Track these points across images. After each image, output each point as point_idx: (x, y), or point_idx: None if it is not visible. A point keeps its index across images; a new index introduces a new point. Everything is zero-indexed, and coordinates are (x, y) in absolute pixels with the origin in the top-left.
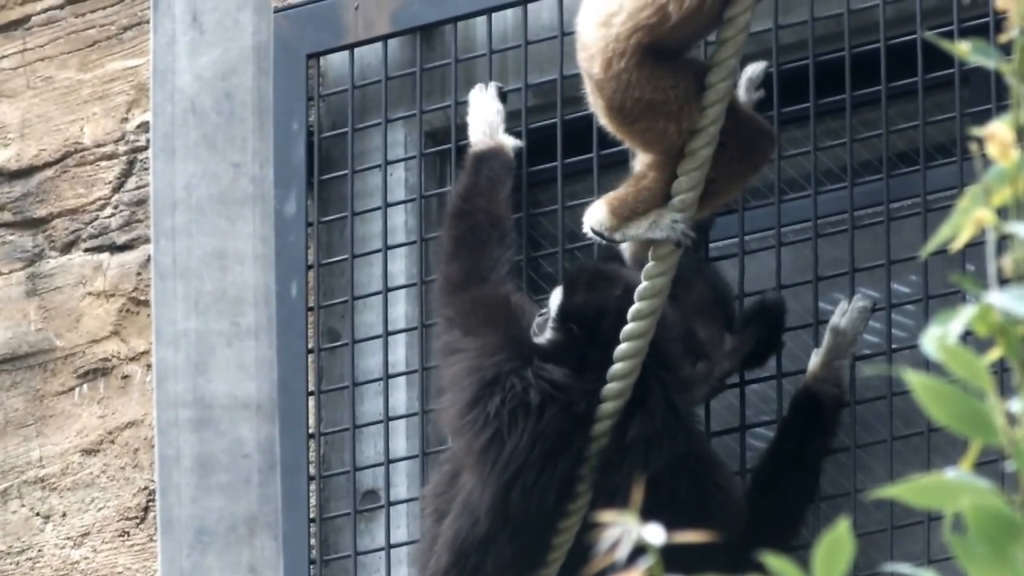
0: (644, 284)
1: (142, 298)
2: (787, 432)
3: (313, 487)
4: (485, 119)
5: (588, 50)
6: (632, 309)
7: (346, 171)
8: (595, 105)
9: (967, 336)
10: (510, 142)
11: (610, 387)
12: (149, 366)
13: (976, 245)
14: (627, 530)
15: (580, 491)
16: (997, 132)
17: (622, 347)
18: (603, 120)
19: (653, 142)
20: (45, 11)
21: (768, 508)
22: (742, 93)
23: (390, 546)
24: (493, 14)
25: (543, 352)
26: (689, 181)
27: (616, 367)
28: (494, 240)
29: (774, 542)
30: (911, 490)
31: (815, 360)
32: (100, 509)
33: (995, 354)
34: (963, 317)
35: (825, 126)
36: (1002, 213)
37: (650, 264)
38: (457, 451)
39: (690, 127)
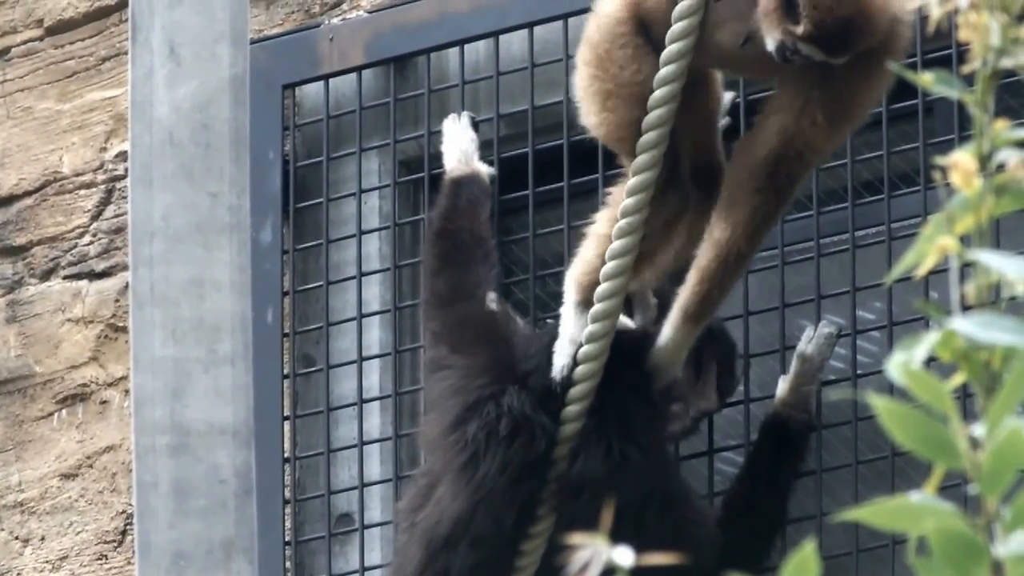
0: (590, 328)
1: (120, 325)
2: (758, 457)
3: (288, 511)
4: (459, 147)
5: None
6: (581, 352)
7: (321, 199)
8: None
9: (931, 362)
10: (485, 169)
11: (565, 427)
12: (127, 392)
13: (940, 272)
14: (597, 552)
15: (541, 515)
16: (960, 161)
17: (573, 390)
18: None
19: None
20: (25, 43)
21: (741, 532)
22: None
23: (364, 569)
24: (465, 46)
25: (524, 376)
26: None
27: (568, 409)
28: (479, 258)
29: (746, 566)
30: (876, 513)
31: (783, 386)
32: (78, 533)
33: (958, 379)
34: (927, 343)
35: None
36: (965, 241)
37: (596, 308)
38: (436, 466)
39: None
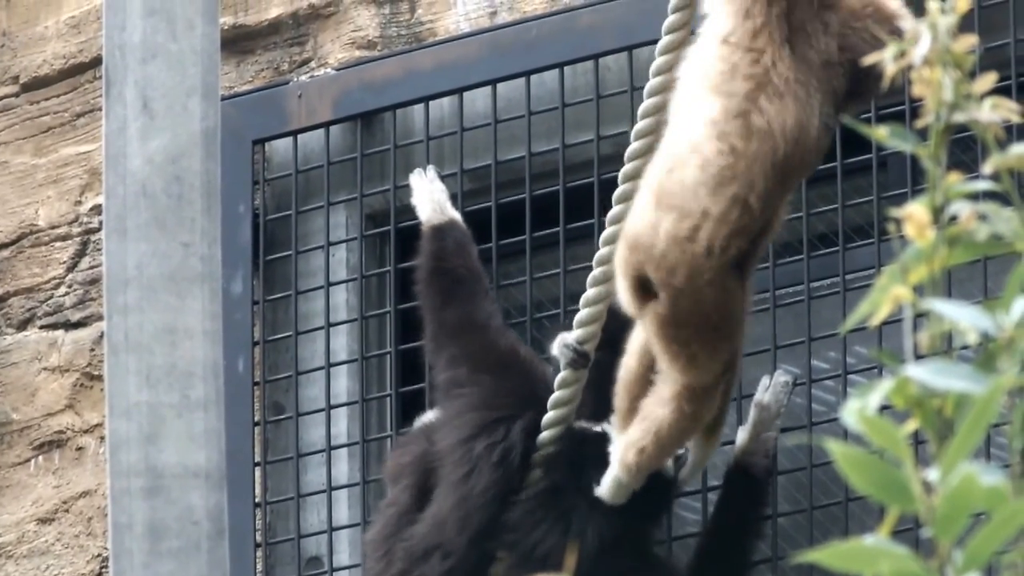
0: (556, 395)
1: (95, 373)
2: (725, 504)
3: (260, 554)
4: (431, 198)
5: (664, 260)
6: (544, 420)
7: (290, 252)
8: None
9: (884, 409)
10: (459, 216)
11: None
12: (102, 438)
13: (893, 323)
14: None
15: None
16: (914, 213)
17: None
18: (657, 330)
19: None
20: (1, 99)
21: (718, 573)
22: None
23: None
24: (430, 102)
25: (541, 409)
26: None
27: (536, 456)
28: (481, 292)
29: None
30: (832, 555)
31: (743, 435)
32: None
33: (912, 425)
34: (881, 390)
35: None
36: (919, 291)
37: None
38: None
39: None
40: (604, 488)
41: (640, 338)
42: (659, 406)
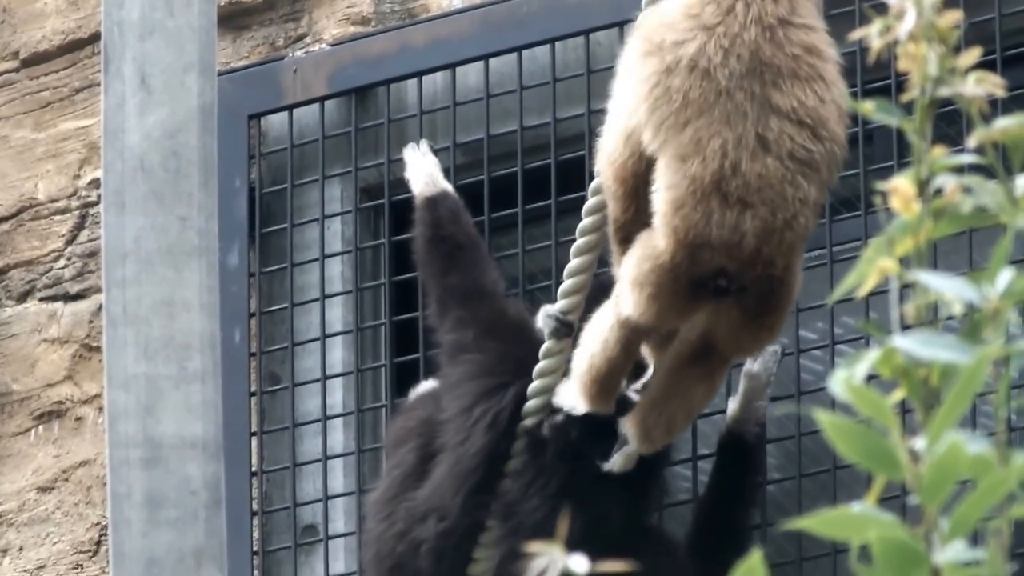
0: (540, 365)
1: (94, 344)
2: (720, 473)
3: (256, 522)
4: (424, 171)
5: (758, 256)
6: (529, 389)
7: (286, 225)
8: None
9: (872, 378)
10: (451, 188)
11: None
12: (101, 408)
13: (880, 294)
14: (553, 560)
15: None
16: (900, 186)
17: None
18: None
19: None
20: (1, 74)
21: (713, 546)
22: None
23: None
24: (423, 77)
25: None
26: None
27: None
28: (484, 258)
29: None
30: (820, 522)
31: (733, 405)
32: (55, 543)
33: (899, 395)
34: (868, 360)
35: None
36: (905, 262)
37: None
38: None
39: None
40: (618, 459)
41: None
42: (696, 381)
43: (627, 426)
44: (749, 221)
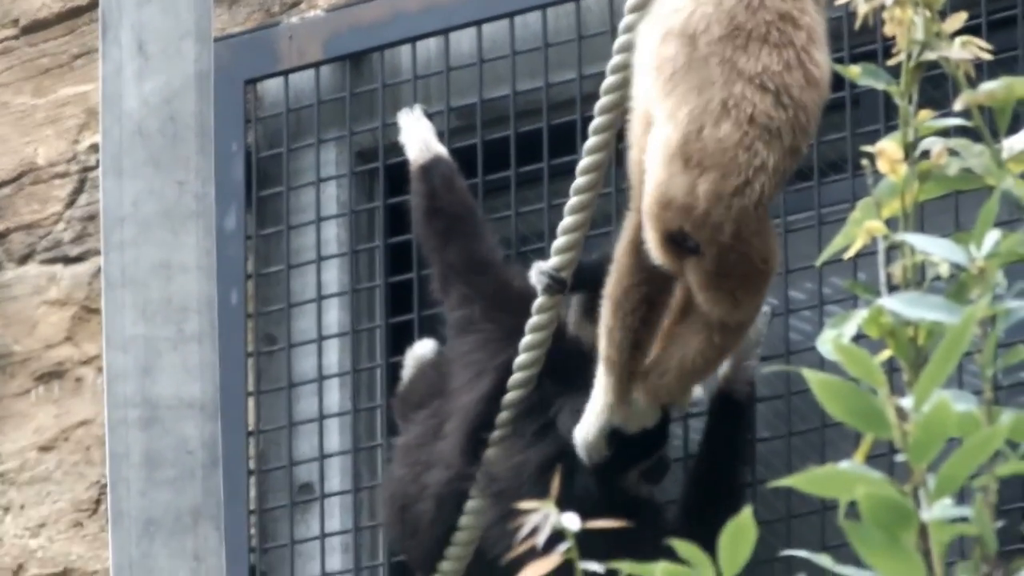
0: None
1: (93, 306)
2: (712, 431)
3: (253, 481)
4: (418, 136)
5: (707, 219)
6: (521, 343)
7: (282, 188)
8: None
9: (860, 338)
10: (444, 150)
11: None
12: (100, 369)
13: (867, 255)
14: (546, 516)
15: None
16: (887, 149)
17: (511, 377)
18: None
19: None
20: (1, 41)
21: (710, 502)
22: None
23: (324, 535)
24: (416, 43)
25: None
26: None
27: (506, 397)
28: (479, 226)
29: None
30: (809, 480)
31: (725, 364)
32: (55, 502)
33: (886, 354)
34: (856, 320)
35: None
36: (892, 224)
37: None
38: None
39: None
40: (618, 416)
41: (628, 271)
42: (689, 335)
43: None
44: (701, 185)
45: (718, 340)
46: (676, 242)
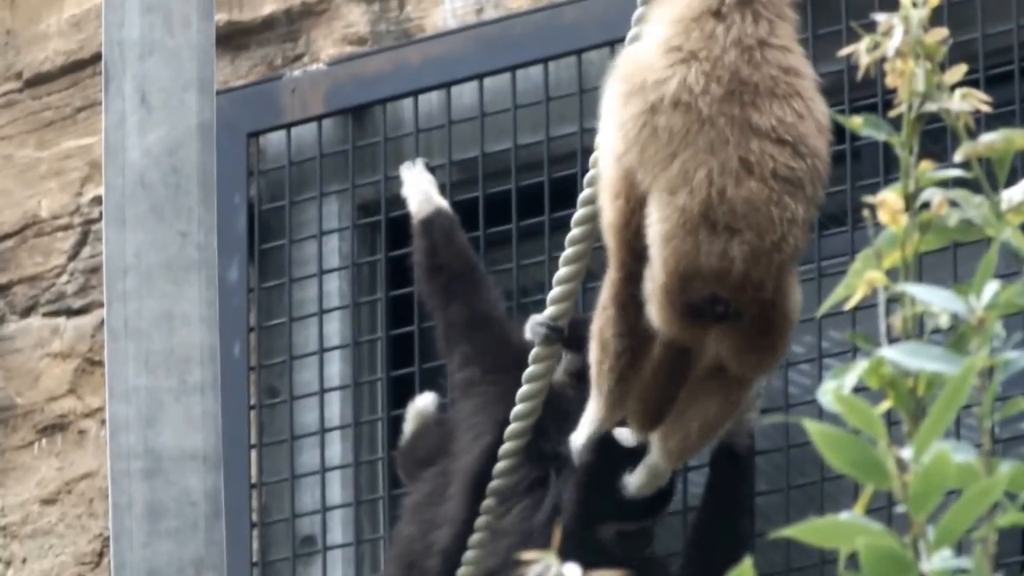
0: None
1: (96, 358)
2: (713, 485)
3: (255, 533)
4: (420, 189)
5: (748, 280)
6: (518, 394)
7: (284, 241)
8: None
9: (860, 390)
10: (445, 203)
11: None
12: (103, 421)
13: (867, 308)
14: (548, 566)
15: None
16: (888, 199)
17: (509, 428)
18: None
19: None
20: (4, 94)
21: (708, 554)
22: None
23: None
24: (419, 96)
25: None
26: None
27: (504, 447)
28: (480, 280)
29: None
30: (809, 531)
31: None
32: (58, 555)
33: (886, 405)
34: (856, 371)
35: None
36: (892, 275)
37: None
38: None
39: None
40: (638, 477)
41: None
42: (705, 395)
43: (650, 439)
44: (737, 247)
45: (735, 397)
46: (698, 313)
